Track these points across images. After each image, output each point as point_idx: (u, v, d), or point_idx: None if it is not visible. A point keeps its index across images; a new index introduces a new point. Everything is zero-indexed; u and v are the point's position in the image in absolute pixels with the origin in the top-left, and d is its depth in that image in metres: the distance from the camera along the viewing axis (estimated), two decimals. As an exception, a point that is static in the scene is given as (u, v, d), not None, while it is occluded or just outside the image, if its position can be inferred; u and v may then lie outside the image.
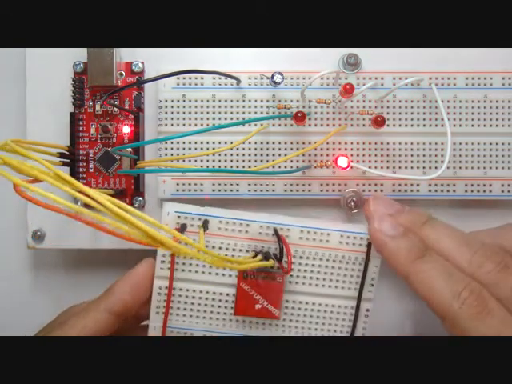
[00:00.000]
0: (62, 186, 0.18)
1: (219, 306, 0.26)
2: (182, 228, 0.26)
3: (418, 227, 0.24)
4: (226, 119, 0.31)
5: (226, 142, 0.31)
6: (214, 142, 0.31)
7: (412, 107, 0.31)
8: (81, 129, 0.32)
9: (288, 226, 0.26)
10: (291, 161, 0.31)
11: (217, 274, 0.26)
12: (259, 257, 0.25)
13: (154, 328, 0.26)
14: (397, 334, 0.33)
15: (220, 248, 0.26)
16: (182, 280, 0.26)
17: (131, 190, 0.32)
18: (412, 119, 0.31)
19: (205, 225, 0.26)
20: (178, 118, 0.31)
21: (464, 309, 0.21)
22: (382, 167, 0.31)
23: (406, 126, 0.31)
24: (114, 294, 0.26)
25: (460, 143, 0.31)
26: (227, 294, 0.26)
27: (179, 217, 0.26)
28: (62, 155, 0.30)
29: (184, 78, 0.31)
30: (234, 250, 0.26)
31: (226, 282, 0.26)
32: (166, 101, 0.31)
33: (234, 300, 0.26)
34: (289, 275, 0.26)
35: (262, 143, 0.31)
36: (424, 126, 0.31)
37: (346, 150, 0.31)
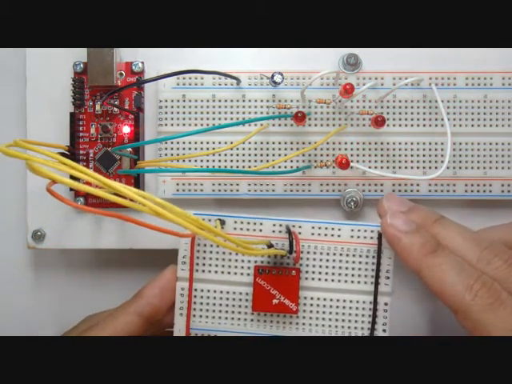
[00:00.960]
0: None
1: (239, 306, 0.27)
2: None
3: (429, 225, 0.25)
4: (226, 119, 0.31)
5: (226, 142, 0.31)
6: (214, 142, 0.31)
7: (412, 107, 0.31)
8: (81, 129, 0.32)
9: (299, 222, 0.27)
10: (291, 161, 0.31)
11: (235, 273, 0.27)
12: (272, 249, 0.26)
13: (179, 330, 0.27)
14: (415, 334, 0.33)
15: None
16: (202, 281, 0.27)
17: (131, 190, 0.32)
18: (412, 119, 0.31)
19: (222, 223, 0.26)
20: (178, 118, 0.31)
21: (476, 301, 0.22)
22: (382, 167, 0.31)
23: (406, 125, 0.31)
24: (143, 298, 0.27)
25: (460, 143, 0.31)
26: (246, 293, 0.27)
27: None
28: (61, 155, 0.30)
29: (184, 78, 0.31)
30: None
31: (244, 281, 0.27)
32: (166, 101, 0.31)
33: (252, 297, 0.26)
34: (300, 267, 0.26)
35: (262, 143, 0.31)
36: (424, 126, 0.31)
37: (346, 150, 0.31)
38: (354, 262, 0.27)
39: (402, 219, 0.25)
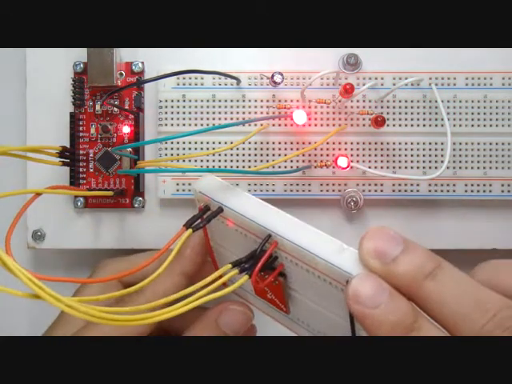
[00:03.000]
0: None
1: None
2: (205, 209, 0.25)
3: (418, 283, 0.19)
4: (226, 119, 0.31)
5: (226, 142, 0.31)
6: (214, 142, 0.31)
7: (412, 107, 0.31)
8: (81, 129, 0.32)
9: (282, 237, 0.22)
10: (291, 161, 0.31)
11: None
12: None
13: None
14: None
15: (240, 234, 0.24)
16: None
17: (131, 190, 0.32)
18: (412, 119, 0.31)
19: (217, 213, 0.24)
20: (178, 118, 0.31)
21: None
22: (382, 167, 0.31)
23: (406, 125, 0.31)
24: (186, 257, 0.27)
25: (460, 143, 0.31)
26: None
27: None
28: (61, 155, 0.30)
29: (184, 78, 0.31)
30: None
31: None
32: (166, 101, 0.31)
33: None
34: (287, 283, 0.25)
35: (262, 143, 0.31)
36: (424, 126, 0.31)
37: (346, 150, 0.31)
38: (327, 293, 0.22)
39: (371, 286, 0.18)
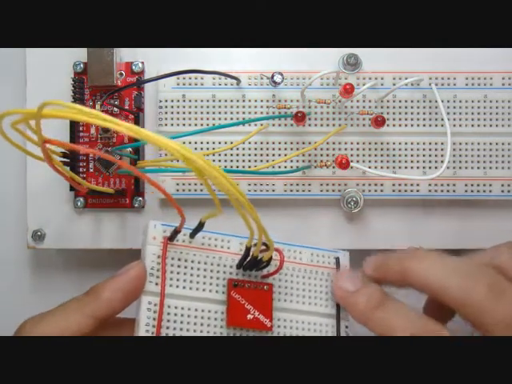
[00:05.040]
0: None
1: (214, 325, 0.25)
2: (173, 235, 0.25)
3: (402, 259, 0.24)
4: (226, 119, 0.31)
5: (225, 142, 0.31)
6: (214, 142, 0.31)
7: (412, 107, 0.31)
8: (81, 129, 0.32)
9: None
10: (291, 161, 0.31)
11: (210, 290, 0.25)
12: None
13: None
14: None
15: (205, 263, 0.25)
16: (171, 296, 0.25)
17: (131, 190, 0.32)
18: (412, 119, 0.31)
19: (190, 236, 0.25)
20: (178, 118, 0.31)
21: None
22: (382, 167, 0.31)
23: (405, 126, 0.31)
24: (102, 300, 0.24)
25: (460, 143, 0.31)
26: (221, 312, 0.25)
27: (165, 231, 0.25)
28: (63, 155, 0.30)
29: (184, 78, 0.31)
30: (218, 265, 0.25)
31: (217, 299, 0.25)
32: (166, 101, 0.31)
33: (226, 311, 0.25)
34: (272, 282, 0.26)
35: (262, 143, 0.31)
36: (424, 126, 0.31)
37: (345, 150, 0.31)
38: (315, 285, 0.27)
39: (349, 279, 0.25)
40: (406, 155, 0.31)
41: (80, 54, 0.31)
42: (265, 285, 0.26)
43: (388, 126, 0.30)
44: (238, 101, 0.31)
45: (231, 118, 0.31)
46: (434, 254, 0.24)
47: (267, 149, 0.31)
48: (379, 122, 0.29)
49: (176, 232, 0.25)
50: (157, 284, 0.24)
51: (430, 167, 0.31)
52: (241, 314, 0.25)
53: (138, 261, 0.25)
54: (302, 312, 0.26)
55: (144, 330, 0.24)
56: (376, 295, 0.24)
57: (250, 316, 0.25)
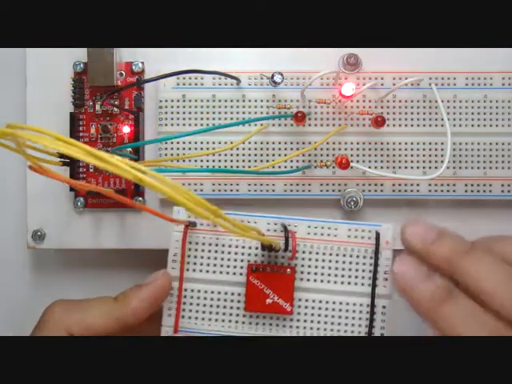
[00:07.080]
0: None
1: (231, 307, 0.26)
2: (192, 225, 0.26)
3: (458, 258, 0.22)
4: (226, 119, 0.31)
5: (226, 142, 0.31)
6: (214, 142, 0.31)
7: (412, 107, 0.31)
8: (81, 129, 0.32)
9: (295, 220, 0.26)
10: (291, 161, 0.31)
11: (227, 272, 0.26)
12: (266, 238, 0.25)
13: (167, 331, 0.26)
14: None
15: (229, 246, 0.26)
16: (193, 280, 0.26)
17: (131, 190, 0.32)
18: (412, 119, 0.31)
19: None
20: (178, 118, 0.31)
21: None
22: (382, 167, 0.31)
23: (405, 126, 0.31)
24: (130, 308, 0.25)
25: (460, 143, 0.31)
26: (238, 294, 0.26)
27: (189, 216, 0.26)
28: (61, 155, 0.30)
29: (184, 78, 0.31)
30: (243, 247, 0.26)
31: (236, 281, 0.26)
32: (166, 101, 0.31)
33: (245, 296, 0.26)
34: (295, 266, 0.26)
35: (262, 143, 0.31)
36: (424, 126, 0.31)
37: (345, 150, 0.31)
38: (351, 263, 0.26)
39: (411, 265, 0.22)
40: (406, 155, 0.31)
41: (80, 54, 0.31)
42: (287, 268, 0.26)
43: (388, 126, 0.30)
44: (237, 101, 0.31)
45: (231, 118, 0.31)
46: (491, 259, 0.22)
47: (267, 149, 0.31)
48: (379, 121, 0.29)
49: (194, 224, 0.26)
50: (178, 268, 0.26)
51: (430, 167, 0.31)
52: (259, 299, 0.25)
53: (164, 270, 0.26)
54: (330, 292, 0.26)
55: (167, 313, 0.26)
56: (442, 288, 0.21)
57: (269, 300, 0.25)
